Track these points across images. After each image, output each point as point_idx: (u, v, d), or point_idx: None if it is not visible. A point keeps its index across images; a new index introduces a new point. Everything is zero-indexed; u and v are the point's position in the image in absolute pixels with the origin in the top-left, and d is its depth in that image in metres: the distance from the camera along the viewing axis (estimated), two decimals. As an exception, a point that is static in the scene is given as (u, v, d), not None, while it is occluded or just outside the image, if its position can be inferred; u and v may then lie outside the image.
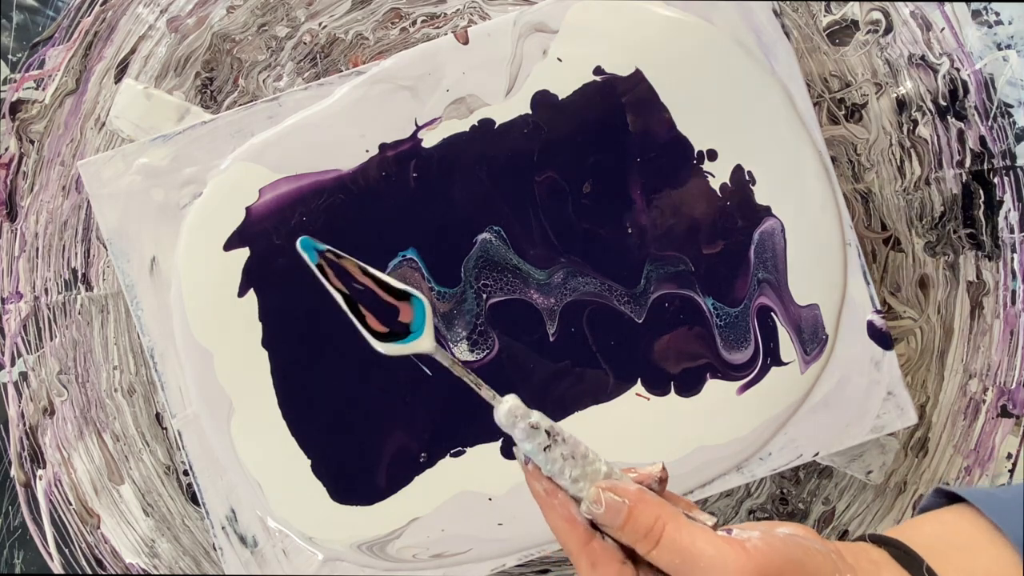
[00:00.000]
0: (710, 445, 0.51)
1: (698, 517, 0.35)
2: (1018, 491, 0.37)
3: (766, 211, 0.52)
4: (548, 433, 0.35)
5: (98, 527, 0.56)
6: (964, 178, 0.55)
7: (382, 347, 0.36)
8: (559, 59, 0.51)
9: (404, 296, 0.37)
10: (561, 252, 0.51)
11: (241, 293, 0.51)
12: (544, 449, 0.35)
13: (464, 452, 0.51)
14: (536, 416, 0.35)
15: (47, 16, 0.56)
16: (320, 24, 0.56)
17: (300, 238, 0.37)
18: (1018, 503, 0.36)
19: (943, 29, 0.55)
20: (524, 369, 0.51)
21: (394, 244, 0.51)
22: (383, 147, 0.51)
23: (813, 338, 0.52)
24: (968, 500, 0.37)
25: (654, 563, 0.34)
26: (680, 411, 0.51)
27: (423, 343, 0.36)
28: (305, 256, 0.36)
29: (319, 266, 0.36)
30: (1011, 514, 0.35)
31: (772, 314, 0.52)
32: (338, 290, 0.36)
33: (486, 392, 0.36)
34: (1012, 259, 0.55)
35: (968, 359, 0.56)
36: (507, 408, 0.35)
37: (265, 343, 0.51)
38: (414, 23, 0.56)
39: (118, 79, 0.56)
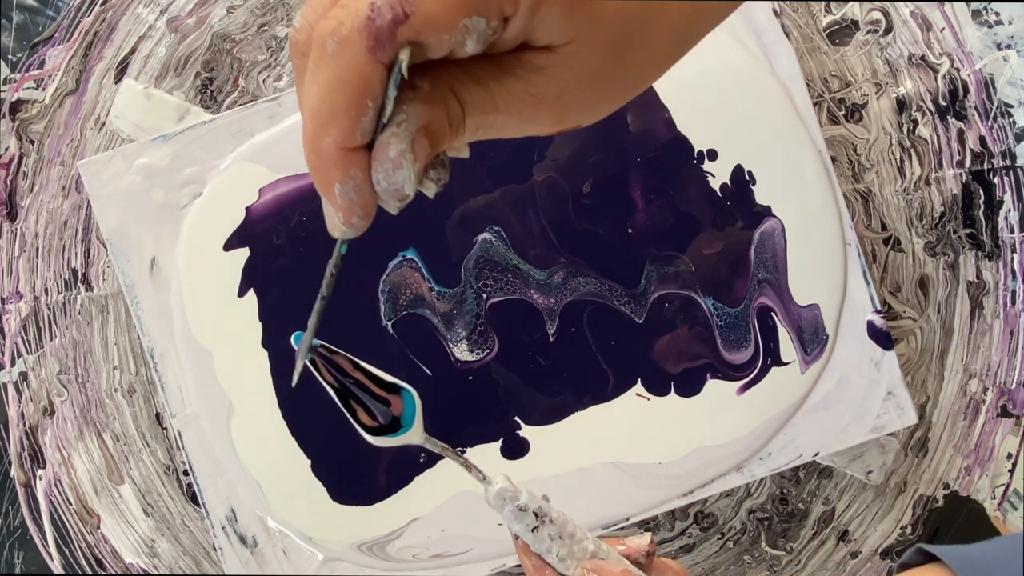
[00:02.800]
0: (710, 445, 0.51)
1: None
2: (989, 548, 0.39)
3: (766, 211, 0.52)
4: (536, 514, 0.36)
5: (98, 527, 0.56)
6: (964, 178, 0.55)
7: (374, 440, 0.37)
8: (559, 59, 0.51)
9: (395, 389, 0.37)
10: (561, 252, 0.51)
11: (241, 293, 0.51)
12: (532, 530, 0.36)
13: (464, 452, 0.51)
14: (524, 497, 0.36)
15: (47, 16, 0.56)
16: (320, 24, 0.55)
17: (294, 334, 0.37)
18: (988, 561, 0.38)
19: (943, 29, 0.55)
20: (524, 369, 0.51)
21: (394, 244, 0.51)
22: (383, 147, 0.51)
23: (813, 338, 0.52)
24: (942, 559, 0.39)
25: None
26: (680, 411, 0.51)
27: (413, 436, 0.37)
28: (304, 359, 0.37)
29: (311, 360, 0.36)
30: (980, 572, 0.37)
31: (772, 314, 0.52)
32: (331, 385, 0.37)
33: (475, 474, 0.37)
34: (1012, 259, 0.55)
35: (968, 359, 0.56)
36: (496, 490, 0.36)
37: (265, 343, 0.51)
38: (414, 23, 0.56)
39: (118, 79, 0.56)
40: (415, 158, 0.25)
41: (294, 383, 0.35)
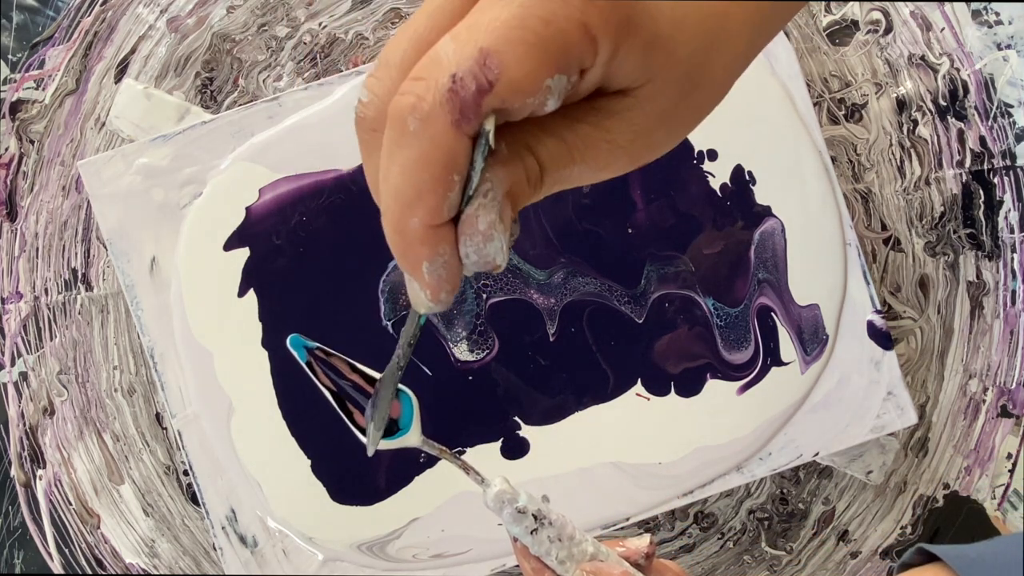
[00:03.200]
0: (710, 445, 0.51)
1: None
2: (989, 548, 0.39)
3: (766, 211, 0.52)
4: (535, 517, 0.36)
5: (98, 527, 0.56)
6: (964, 178, 0.55)
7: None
8: (559, 59, 0.51)
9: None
10: (561, 252, 0.51)
11: (241, 293, 0.51)
12: (531, 532, 0.36)
13: (464, 452, 0.51)
14: (523, 500, 0.36)
15: (47, 16, 0.56)
16: (320, 24, 0.55)
17: (290, 336, 0.37)
18: (987, 561, 0.38)
19: (943, 29, 0.55)
20: (524, 369, 0.51)
21: (394, 244, 0.51)
22: (383, 147, 0.51)
23: (813, 338, 0.52)
24: (943, 559, 0.39)
25: None
26: (680, 411, 0.51)
27: (411, 438, 0.37)
28: (295, 354, 0.36)
29: (308, 363, 0.36)
30: (980, 572, 0.38)
31: (772, 314, 0.52)
32: (327, 388, 0.36)
33: (474, 476, 0.37)
34: (1012, 259, 0.55)
35: (968, 359, 0.56)
36: (495, 492, 0.36)
37: (265, 343, 0.51)
38: (414, 23, 0.56)
39: (118, 79, 0.56)
40: (504, 227, 0.24)
41: (370, 453, 0.35)
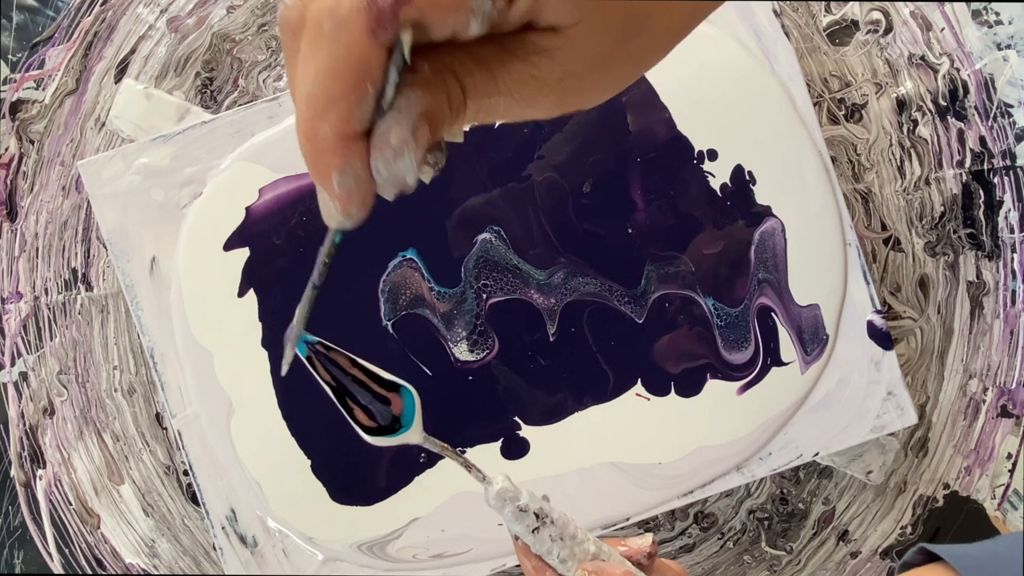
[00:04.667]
0: (710, 445, 0.51)
1: None
2: (990, 547, 0.40)
3: (766, 211, 0.52)
4: (537, 515, 0.35)
5: (98, 527, 0.56)
6: (964, 178, 0.55)
7: (372, 440, 0.36)
8: (559, 59, 0.51)
9: (395, 387, 0.36)
10: (561, 252, 0.51)
11: (241, 293, 0.51)
12: (533, 531, 0.35)
13: (464, 452, 0.51)
14: (525, 498, 0.36)
15: (47, 16, 0.56)
16: (320, 24, 0.55)
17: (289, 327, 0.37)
18: (989, 560, 0.38)
19: (943, 29, 0.55)
20: (524, 369, 0.51)
21: (394, 244, 0.51)
22: (383, 147, 0.51)
23: (813, 338, 0.52)
24: (944, 559, 0.40)
25: None
26: (680, 411, 0.51)
27: (412, 435, 0.36)
28: (296, 349, 0.36)
29: (308, 358, 0.36)
30: (982, 571, 0.38)
31: (772, 314, 0.52)
32: (328, 383, 0.36)
33: (475, 474, 0.36)
34: (1012, 259, 0.55)
35: (968, 359, 0.56)
36: (496, 491, 0.36)
37: (265, 343, 0.51)
38: (414, 23, 0.56)
39: (118, 79, 0.56)
40: (416, 145, 0.24)
41: (283, 372, 0.34)
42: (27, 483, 0.56)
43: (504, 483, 0.36)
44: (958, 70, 0.55)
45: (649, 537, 0.38)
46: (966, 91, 0.55)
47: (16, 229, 0.56)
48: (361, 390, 0.36)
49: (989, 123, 0.55)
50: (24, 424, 0.56)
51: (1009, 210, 0.55)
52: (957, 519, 0.56)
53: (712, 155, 0.52)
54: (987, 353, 0.56)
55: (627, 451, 0.51)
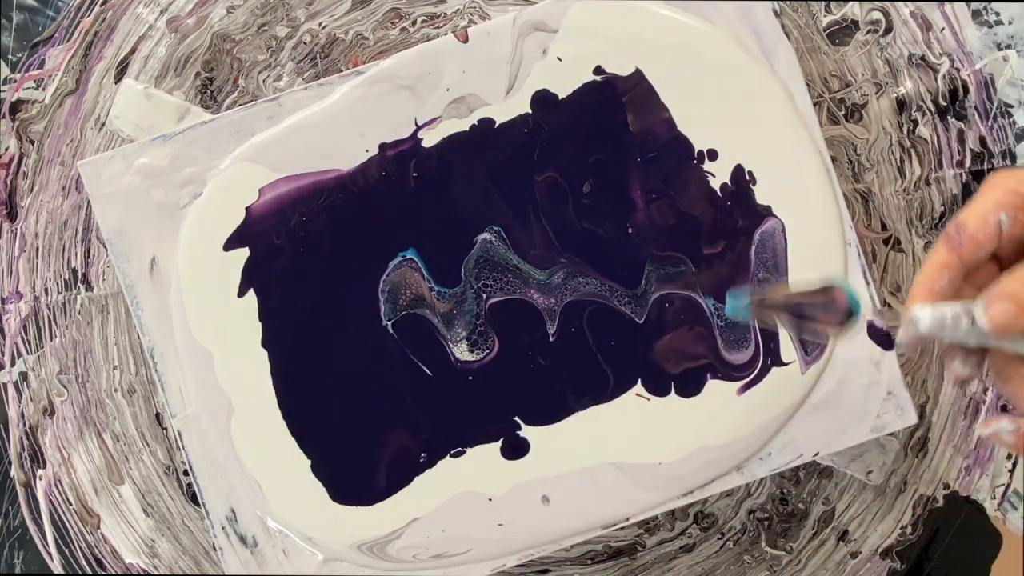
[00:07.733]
0: (710, 445, 0.51)
1: None
2: None
3: (767, 211, 0.52)
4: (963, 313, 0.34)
5: (98, 527, 0.56)
6: (964, 178, 0.55)
7: (847, 330, 0.39)
8: (559, 59, 0.51)
9: (826, 289, 0.39)
10: (561, 252, 0.51)
11: (241, 293, 0.51)
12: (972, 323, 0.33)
13: (464, 452, 0.51)
14: (946, 307, 0.34)
15: (47, 16, 0.56)
16: (320, 24, 0.55)
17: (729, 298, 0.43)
18: None
19: (943, 29, 0.55)
20: (524, 369, 0.51)
21: (394, 244, 0.51)
22: (383, 147, 0.51)
23: (813, 338, 0.52)
24: None
25: None
26: (680, 411, 0.51)
27: (866, 313, 0.40)
28: (737, 317, 0.43)
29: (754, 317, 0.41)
30: None
31: (772, 314, 0.52)
32: (783, 323, 0.41)
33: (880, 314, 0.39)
34: (1012, 259, 0.55)
35: (968, 359, 0.56)
36: (930, 319, 0.34)
37: (265, 343, 0.51)
38: (414, 23, 0.56)
39: (118, 79, 0.56)
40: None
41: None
42: (27, 483, 0.56)
43: (923, 310, 0.34)
44: (958, 70, 0.55)
45: None
46: (966, 91, 0.55)
47: (16, 229, 0.56)
48: (810, 306, 0.39)
49: (989, 123, 0.55)
50: (24, 424, 0.56)
51: (1009, 210, 0.55)
52: (957, 519, 0.56)
53: (712, 155, 0.51)
54: (987, 353, 0.56)
55: (627, 451, 0.51)
